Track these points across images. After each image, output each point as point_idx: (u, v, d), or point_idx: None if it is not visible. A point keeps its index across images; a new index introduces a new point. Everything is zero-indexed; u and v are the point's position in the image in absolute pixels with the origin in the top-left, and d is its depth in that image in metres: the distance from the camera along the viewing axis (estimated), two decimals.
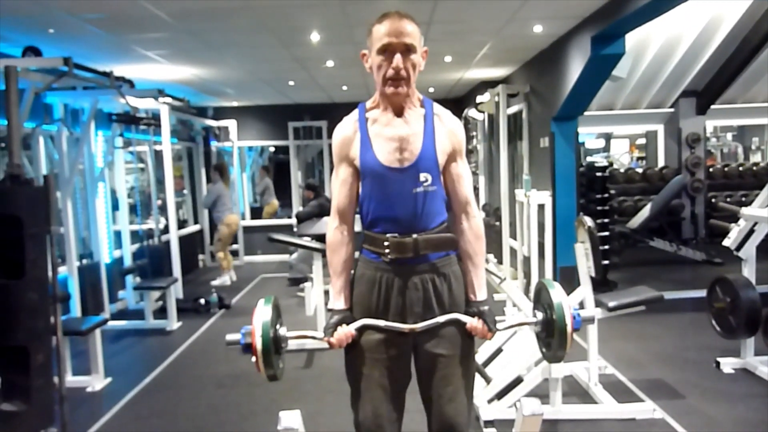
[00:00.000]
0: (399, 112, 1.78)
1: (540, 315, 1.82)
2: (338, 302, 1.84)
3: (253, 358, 1.66)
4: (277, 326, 1.73)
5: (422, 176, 1.74)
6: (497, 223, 7.29)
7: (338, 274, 1.84)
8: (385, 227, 1.78)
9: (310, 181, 7.65)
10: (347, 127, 1.82)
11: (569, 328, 1.71)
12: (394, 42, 1.68)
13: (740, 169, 8.22)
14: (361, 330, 1.79)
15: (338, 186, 1.85)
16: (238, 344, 1.67)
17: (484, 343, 3.83)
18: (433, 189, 1.76)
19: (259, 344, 1.65)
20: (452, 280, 1.82)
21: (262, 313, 1.69)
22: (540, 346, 1.89)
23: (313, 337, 1.80)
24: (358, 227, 1.89)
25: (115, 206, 6.33)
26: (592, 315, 1.83)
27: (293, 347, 4.44)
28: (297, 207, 9.23)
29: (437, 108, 1.82)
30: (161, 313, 5.66)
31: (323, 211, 6.37)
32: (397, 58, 1.68)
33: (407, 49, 1.69)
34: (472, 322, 1.78)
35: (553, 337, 1.74)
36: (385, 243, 1.76)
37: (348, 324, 1.78)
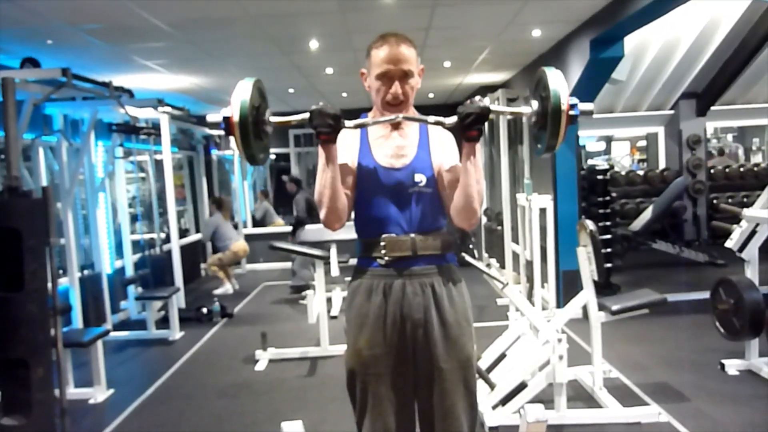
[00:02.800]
0: (396, 126, 1.84)
1: (536, 105, 1.71)
2: None
3: (232, 139, 1.60)
4: (260, 108, 1.65)
5: (417, 177, 1.77)
6: (499, 228, 7.28)
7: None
8: (380, 228, 1.77)
9: (293, 175, 7.63)
10: (349, 131, 1.84)
11: (564, 111, 1.59)
12: (393, 69, 1.73)
13: (741, 170, 8.21)
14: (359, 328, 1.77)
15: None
16: (219, 126, 1.60)
17: (487, 348, 3.82)
18: (428, 191, 1.78)
19: (236, 117, 1.57)
20: (452, 289, 1.80)
21: (242, 90, 1.61)
22: (534, 140, 1.80)
23: (299, 121, 1.68)
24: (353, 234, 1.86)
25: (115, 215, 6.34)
26: (591, 108, 1.69)
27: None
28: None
29: (431, 126, 1.86)
30: (163, 323, 5.63)
31: (311, 205, 6.65)
32: (396, 86, 1.73)
33: (405, 75, 1.74)
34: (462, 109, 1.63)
35: (547, 125, 1.63)
36: (382, 243, 1.76)
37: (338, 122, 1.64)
